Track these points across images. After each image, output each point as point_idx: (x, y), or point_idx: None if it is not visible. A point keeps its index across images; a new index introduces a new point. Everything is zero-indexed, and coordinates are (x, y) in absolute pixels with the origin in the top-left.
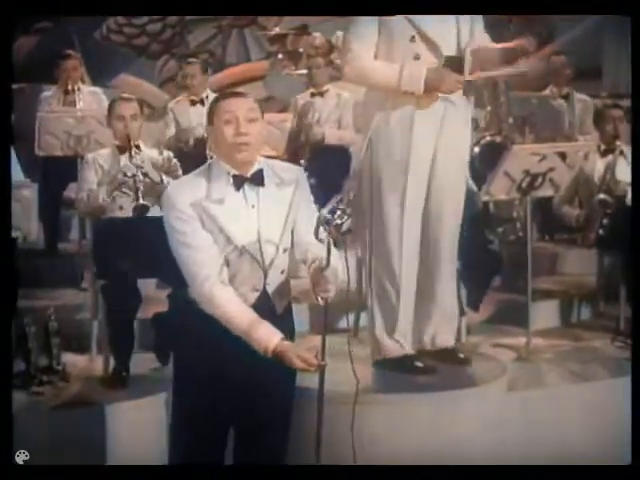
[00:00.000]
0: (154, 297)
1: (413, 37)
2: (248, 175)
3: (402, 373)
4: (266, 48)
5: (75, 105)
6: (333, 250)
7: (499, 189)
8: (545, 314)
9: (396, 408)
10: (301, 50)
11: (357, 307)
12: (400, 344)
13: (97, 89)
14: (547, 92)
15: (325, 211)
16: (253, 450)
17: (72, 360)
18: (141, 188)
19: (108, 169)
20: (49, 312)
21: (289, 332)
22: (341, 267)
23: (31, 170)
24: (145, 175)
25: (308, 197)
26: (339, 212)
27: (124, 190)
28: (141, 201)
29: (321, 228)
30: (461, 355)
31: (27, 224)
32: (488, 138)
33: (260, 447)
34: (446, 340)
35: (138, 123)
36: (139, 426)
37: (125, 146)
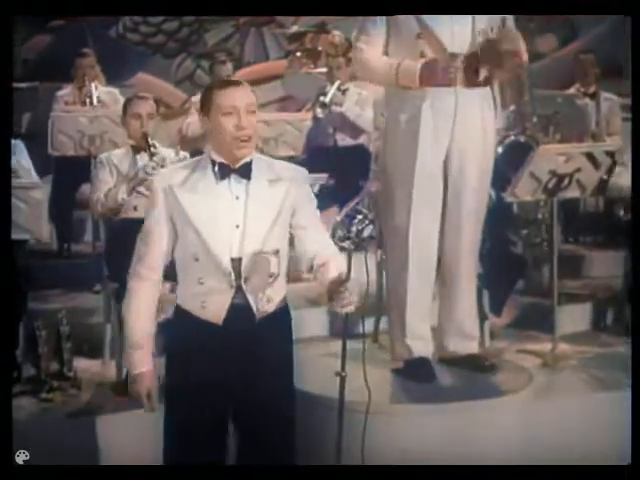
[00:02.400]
0: (168, 301)
1: (419, 34)
2: (236, 166)
3: (408, 379)
4: (284, 47)
5: (90, 104)
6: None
7: (525, 190)
8: (570, 318)
9: (411, 419)
10: (320, 48)
11: (377, 311)
12: (410, 349)
13: (113, 89)
14: (572, 90)
15: (342, 215)
16: (255, 454)
17: (84, 365)
18: None
19: (125, 169)
20: (60, 315)
21: (275, 338)
22: (361, 278)
23: (44, 170)
24: None
25: (309, 200)
26: (359, 217)
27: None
28: None
29: (339, 233)
30: (486, 362)
31: (37, 226)
32: (512, 138)
33: (263, 450)
34: (470, 346)
35: (154, 122)
36: (150, 433)
37: (141, 145)
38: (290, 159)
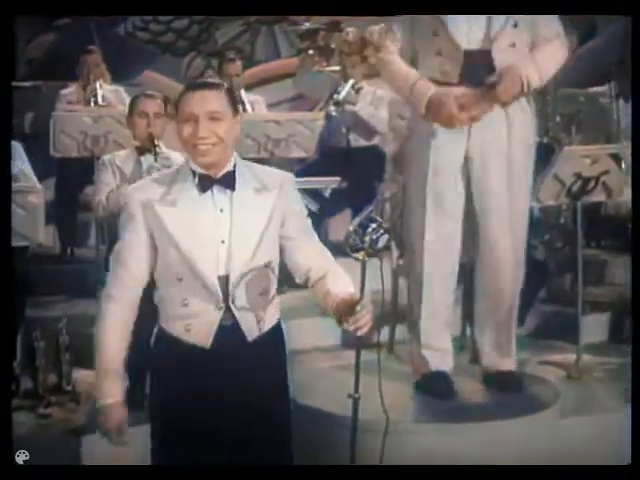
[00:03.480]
0: None
1: (436, 31)
2: (217, 176)
3: (426, 393)
4: (296, 44)
5: (95, 103)
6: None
7: (548, 194)
8: (593, 327)
9: (431, 438)
10: (333, 46)
11: (392, 320)
12: (426, 360)
13: (119, 87)
14: (604, 89)
15: (355, 224)
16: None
17: (83, 377)
18: None
19: (128, 171)
20: (60, 325)
21: (268, 361)
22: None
23: (47, 171)
24: None
25: (298, 208)
26: (373, 226)
27: None
28: None
29: (352, 244)
30: (518, 382)
31: (34, 231)
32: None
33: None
34: (509, 363)
35: (161, 122)
36: None
37: (146, 145)
38: (301, 160)
